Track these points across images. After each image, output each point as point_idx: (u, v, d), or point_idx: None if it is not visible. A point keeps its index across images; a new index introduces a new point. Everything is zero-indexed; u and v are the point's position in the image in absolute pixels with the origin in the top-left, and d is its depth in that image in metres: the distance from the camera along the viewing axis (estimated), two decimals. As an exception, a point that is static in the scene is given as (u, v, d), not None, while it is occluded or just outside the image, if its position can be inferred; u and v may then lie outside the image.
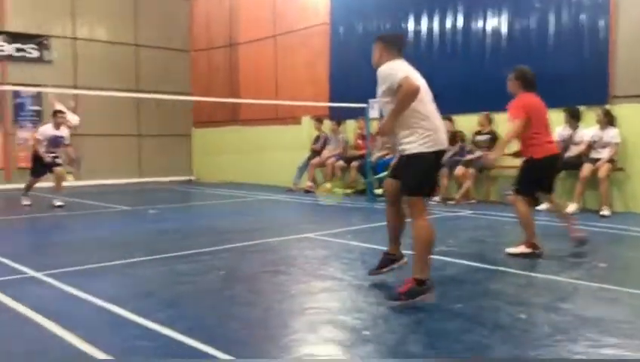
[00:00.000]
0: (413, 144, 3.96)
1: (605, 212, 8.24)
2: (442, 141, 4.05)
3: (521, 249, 5.44)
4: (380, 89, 4.08)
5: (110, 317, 3.64)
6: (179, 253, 5.66)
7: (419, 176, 3.99)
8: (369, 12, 12.29)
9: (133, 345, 3.14)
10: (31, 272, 4.83)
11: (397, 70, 3.99)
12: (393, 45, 4.24)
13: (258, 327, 3.48)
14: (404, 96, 3.86)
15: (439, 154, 4.07)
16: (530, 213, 5.52)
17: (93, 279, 4.67)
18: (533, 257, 5.33)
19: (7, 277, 4.68)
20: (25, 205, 9.94)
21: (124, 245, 6.32)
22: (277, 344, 3.18)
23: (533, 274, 4.73)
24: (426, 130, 3.97)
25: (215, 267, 5.10)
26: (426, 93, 4.08)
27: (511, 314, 3.67)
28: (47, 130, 9.93)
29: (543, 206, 8.93)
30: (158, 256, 5.53)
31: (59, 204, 9.72)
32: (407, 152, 4.00)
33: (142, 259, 5.44)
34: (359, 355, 2.97)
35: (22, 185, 13.32)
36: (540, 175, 5.53)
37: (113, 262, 5.27)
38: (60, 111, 10.13)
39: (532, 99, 5.46)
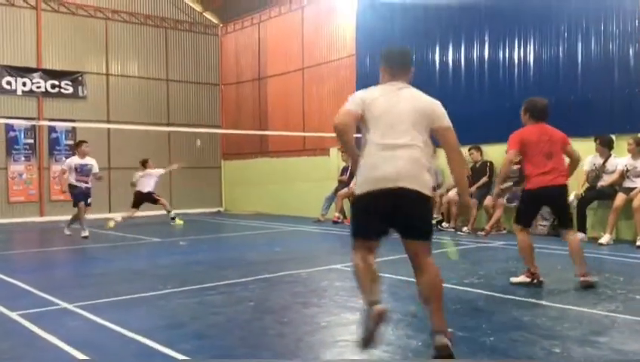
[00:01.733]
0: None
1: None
2: (372, 180, 3.40)
3: (522, 278, 5.51)
4: None
5: (139, 348, 3.66)
6: (209, 284, 5.69)
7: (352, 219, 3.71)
8: (394, 42, 12.39)
9: (163, 376, 3.15)
10: (63, 304, 4.90)
11: (350, 100, 3.59)
12: (385, 64, 3.70)
13: (288, 359, 3.46)
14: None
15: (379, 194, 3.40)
16: (530, 243, 5.52)
17: (124, 311, 4.71)
18: (531, 286, 5.38)
19: (40, 309, 4.76)
20: (66, 235, 10.30)
21: (155, 277, 6.37)
22: (306, 377, 3.15)
23: (567, 307, 4.61)
24: (361, 168, 3.50)
25: (245, 298, 5.11)
26: (382, 123, 3.45)
27: (545, 348, 3.58)
28: (73, 160, 10.33)
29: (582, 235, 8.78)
30: (188, 288, 5.56)
31: (84, 235, 9.96)
32: None
33: (172, 290, 5.48)
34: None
35: (55, 218, 13.71)
36: (533, 206, 5.63)
37: (144, 294, 5.32)
38: (83, 141, 10.69)
39: (532, 130, 5.44)
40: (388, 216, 3.47)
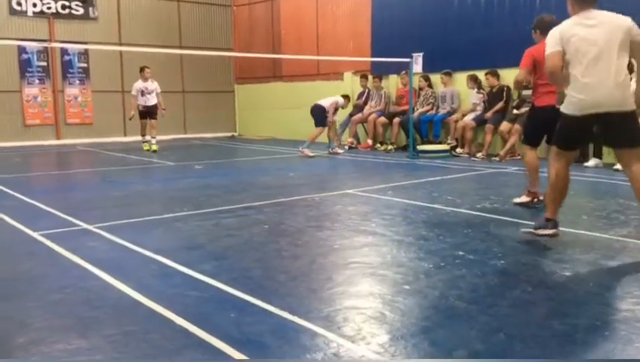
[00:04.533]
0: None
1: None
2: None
3: (523, 198, 5.71)
4: None
5: (159, 268, 3.78)
6: (224, 208, 5.79)
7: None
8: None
9: (182, 293, 3.26)
10: (84, 225, 5.03)
11: (549, 41, 4.19)
12: None
13: (302, 280, 3.56)
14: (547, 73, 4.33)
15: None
16: (537, 164, 5.62)
17: (143, 232, 4.83)
18: (530, 206, 5.58)
19: (61, 230, 4.89)
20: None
21: (171, 200, 6.49)
22: (320, 296, 3.25)
23: (579, 232, 4.65)
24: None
25: (260, 221, 5.20)
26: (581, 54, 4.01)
27: (555, 271, 3.64)
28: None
29: (591, 163, 8.73)
30: (204, 211, 5.67)
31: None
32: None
33: (189, 213, 5.58)
34: (400, 309, 3.01)
35: (72, 141, 13.83)
36: (543, 123, 5.33)
37: (161, 216, 5.43)
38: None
39: (542, 48, 5.17)
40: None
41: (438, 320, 2.90)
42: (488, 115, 10.24)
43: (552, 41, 4.13)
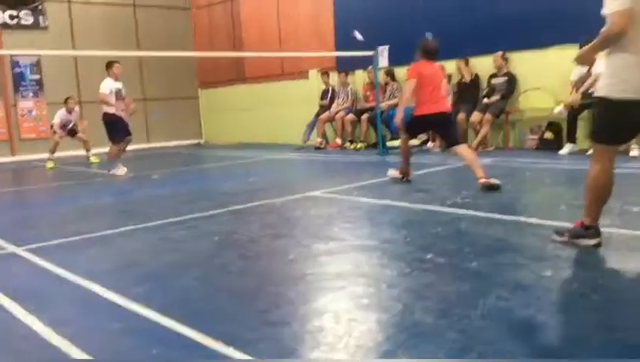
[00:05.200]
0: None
1: (635, 153, 7.68)
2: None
3: (394, 172, 6.71)
4: None
5: (83, 296, 3.26)
6: (174, 219, 5.28)
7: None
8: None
9: (101, 327, 2.76)
10: (10, 248, 4.49)
11: None
12: None
13: (247, 299, 3.08)
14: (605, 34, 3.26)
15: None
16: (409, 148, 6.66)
17: (76, 252, 4.31)
18: (403, 182, 6.55)
19: (-15, 254, 4.35)
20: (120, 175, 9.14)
21: (119, 214, 5.97)
22: (265, 318, 2.77)
23: (558, 223, 4.24)
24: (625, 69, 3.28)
25: (211, 232, 4.71)
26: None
27: (534, 271, 3.22)
28: (109, 83, 9.07)
29: (565, 150, 8.40)
30: (151, 223, 5.15)
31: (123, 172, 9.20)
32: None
33: (134, 227, 5.07)
34: (358, 329, 2.55)
35: (27, 157, 13.13)
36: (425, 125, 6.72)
37: (103, 232, 4.90)
38: (115, 61, 9.28)
39: (424, 65, 6.30)
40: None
41: (401, 340, 2.45)
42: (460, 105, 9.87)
43: None
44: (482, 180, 5.74)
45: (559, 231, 3.74)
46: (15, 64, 13.66)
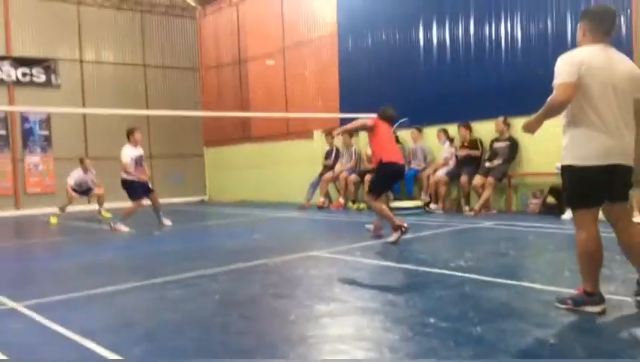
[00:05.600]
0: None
1: (638, 218, 7.67)
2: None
3: (395, 236, 6.55)
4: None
5: (81, 355, 3.21)
6: (175, 277, 5.24)
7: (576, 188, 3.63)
8: (377, 21, 11.91)
9: (98, 387, 2.72)
10: (10, 303, 4.45)
11: (565, 64, 3.48)
12: (598, 24, 3.58)
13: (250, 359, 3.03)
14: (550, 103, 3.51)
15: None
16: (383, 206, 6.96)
17: (76, 310, 4.27)
18: (405, 234, 6.57)
19: (-17, 310, 4.31)
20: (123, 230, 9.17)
21: (119, 270, 5.94)
22: (264, 382, 2.73)
23: (561, 289, 4.20)
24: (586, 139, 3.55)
25: (211, 291, 4.67)
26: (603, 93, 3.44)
27: (538, 338, 3.17)
28: (129, 151, 9.35)
29: (567, 215, 8.40)
30: (152, 281, 5.12)
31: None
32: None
33: (134, 284, 5.04)
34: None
35: (32, 211, 13.18)
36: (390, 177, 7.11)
37: (102, 289, 4.86)
38: (135, 128, 9.69)
39: (384, 123, 7.05)
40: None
41: (402, 408, 2.39)
42: (462, 153, 9.97)
43: (582, 59, 3.48)
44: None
45: (561, 300, 3.71)
46: (25, 120, 13.91)
